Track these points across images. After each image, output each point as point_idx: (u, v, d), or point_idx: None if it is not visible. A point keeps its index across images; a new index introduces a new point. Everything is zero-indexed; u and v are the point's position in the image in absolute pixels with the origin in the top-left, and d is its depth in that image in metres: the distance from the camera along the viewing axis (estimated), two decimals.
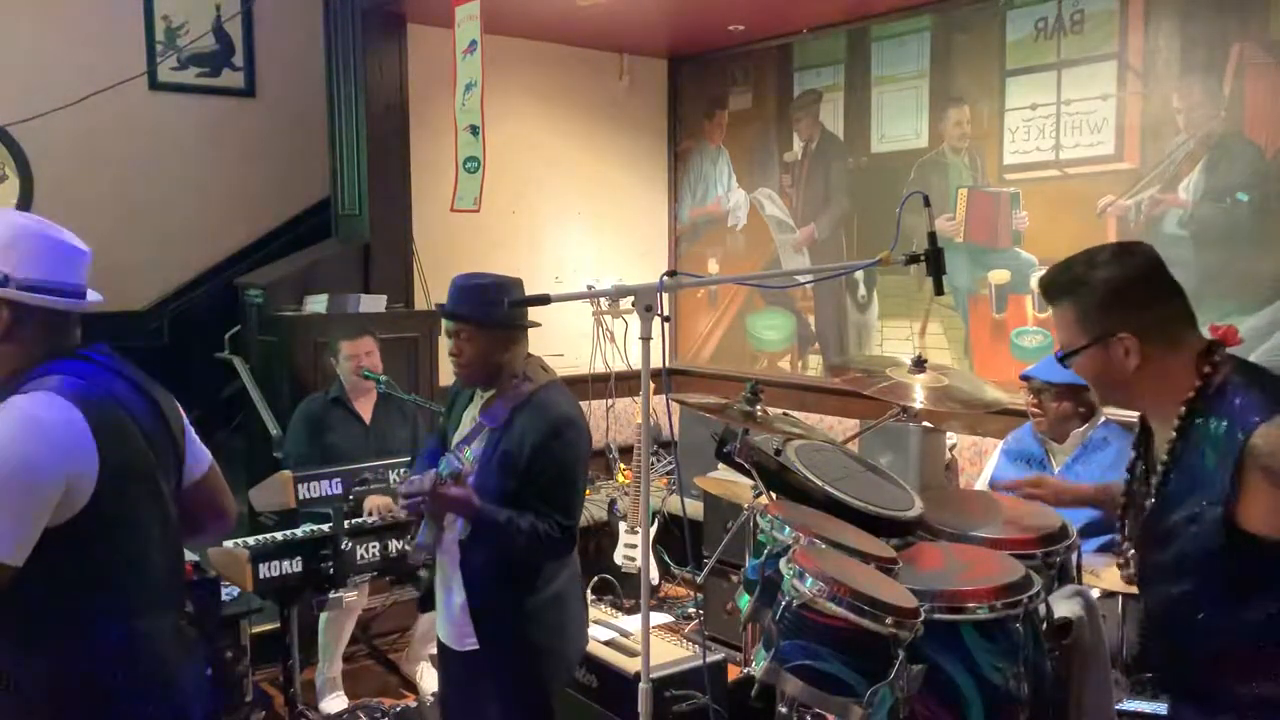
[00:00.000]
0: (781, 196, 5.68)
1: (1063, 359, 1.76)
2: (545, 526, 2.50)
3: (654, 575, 5.12)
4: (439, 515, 2.53)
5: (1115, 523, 1.94)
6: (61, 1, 5.43)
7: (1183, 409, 1.67)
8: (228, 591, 3.42)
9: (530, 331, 2.70)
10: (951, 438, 4.45)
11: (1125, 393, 1.75)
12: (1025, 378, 3.49)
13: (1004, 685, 2.03)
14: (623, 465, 5.75)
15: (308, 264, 5.11)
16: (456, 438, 2.70)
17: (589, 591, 4.93)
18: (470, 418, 2.67)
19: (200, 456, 1.97)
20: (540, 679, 2.66)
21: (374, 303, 4.87)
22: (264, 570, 3.28)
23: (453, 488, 2.43)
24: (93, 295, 1.80)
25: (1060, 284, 1.75)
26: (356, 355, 4.10)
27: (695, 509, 4.75)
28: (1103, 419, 3.39)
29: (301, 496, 3.56)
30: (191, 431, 1.95)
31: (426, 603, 2.83)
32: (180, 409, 1.93)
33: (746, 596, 2.16)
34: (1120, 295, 1.68)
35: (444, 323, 2.65)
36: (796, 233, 5.60)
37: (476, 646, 2.61)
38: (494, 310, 2.52)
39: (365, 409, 4.18)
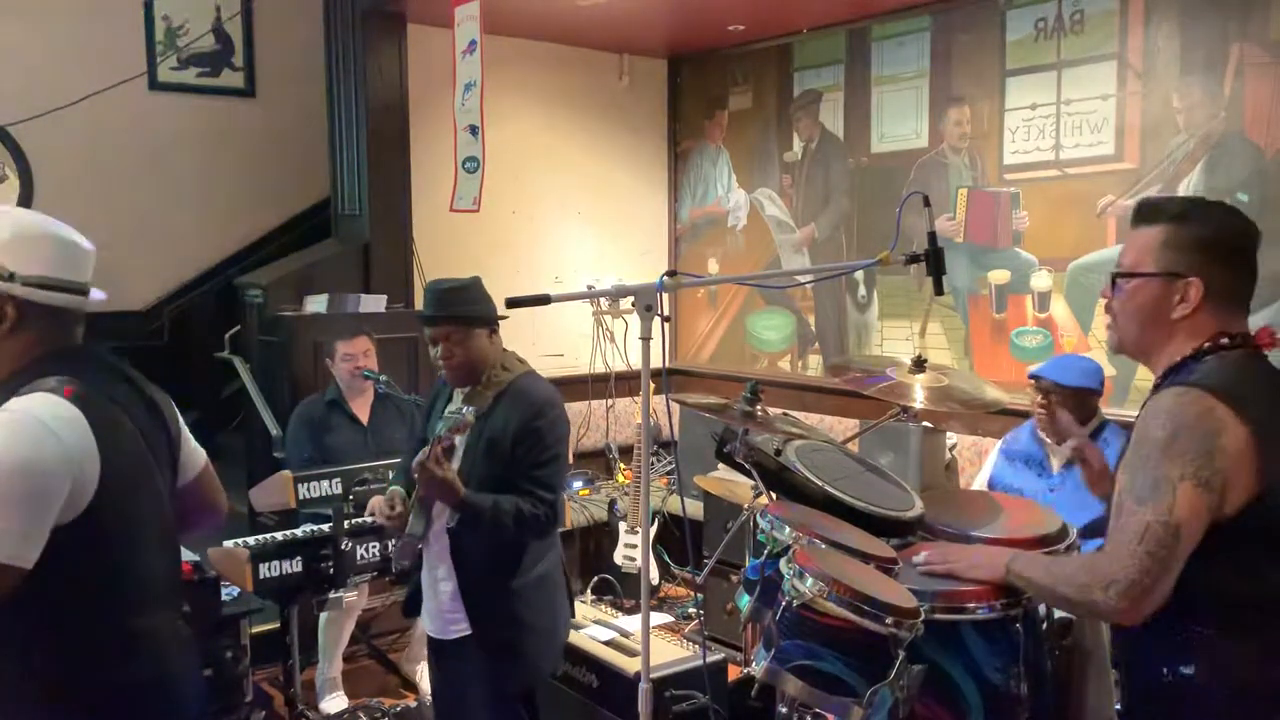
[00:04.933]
0: (781, 196, 5.67)
1: (1119, 276, 1.74)
2: (530, 505, 2.59)
3: (654, 575, 5.12)
4: (428, 501, 2.59)
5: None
6: (61, 1, 5.43)
7: (1162, 371, 1.71)
8: (228, 591, 3.42)
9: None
10: (951, 438, 4.44)
11: (1155, 337, 1.72)
12: (1034, 376, 3.40)
13: (1004, 685, 2.03)
14: (623, 465, 5.75)
15: (308, 264, 5.12)
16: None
17: (589, 591, 4.94)
18: (451, 412, 2.71)
19: (195, 456, 1.97)
20: (532, 657, 2.72)
21: (374, 303, 4.87)
22: (264, 570, 3.29)
23: (439, 471, 2.49)
24: (96, 293, 1.79)
25: (1165, 208, 1.72)
26: (354, 356, 4.10)
27: (695, 509, 4.75)
28: (1101, 420, 3.38)
29: (301, 496, 3.59)
30: (187, 431, 1.95)
31: (412, 606, 2.86)
32: (176, 409, 1.92)
33: (746, 596, 2.17)
34: (1216, 246, 1.68)
35: (427, 331, 2.70)
36: (796, 233, 5.59)
37: (467, 631, 2.68)
38: (477, 308, 2.68)
39: (362, 410, 4.18)
